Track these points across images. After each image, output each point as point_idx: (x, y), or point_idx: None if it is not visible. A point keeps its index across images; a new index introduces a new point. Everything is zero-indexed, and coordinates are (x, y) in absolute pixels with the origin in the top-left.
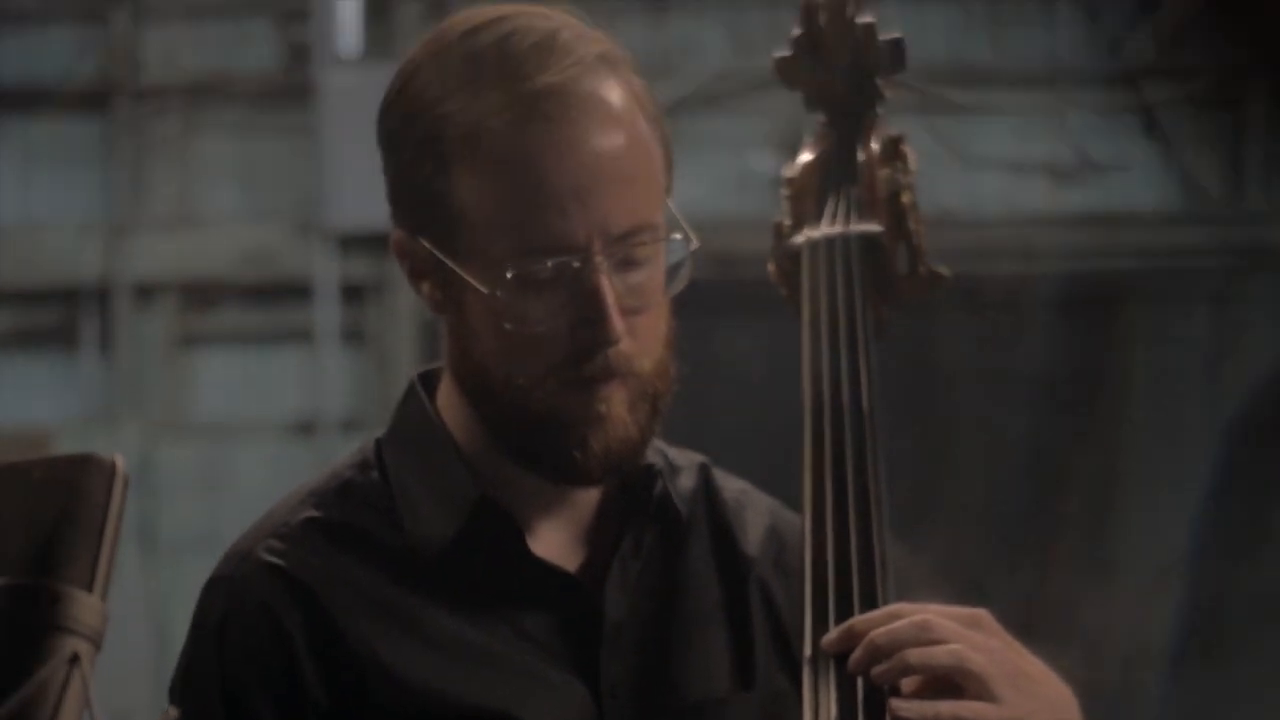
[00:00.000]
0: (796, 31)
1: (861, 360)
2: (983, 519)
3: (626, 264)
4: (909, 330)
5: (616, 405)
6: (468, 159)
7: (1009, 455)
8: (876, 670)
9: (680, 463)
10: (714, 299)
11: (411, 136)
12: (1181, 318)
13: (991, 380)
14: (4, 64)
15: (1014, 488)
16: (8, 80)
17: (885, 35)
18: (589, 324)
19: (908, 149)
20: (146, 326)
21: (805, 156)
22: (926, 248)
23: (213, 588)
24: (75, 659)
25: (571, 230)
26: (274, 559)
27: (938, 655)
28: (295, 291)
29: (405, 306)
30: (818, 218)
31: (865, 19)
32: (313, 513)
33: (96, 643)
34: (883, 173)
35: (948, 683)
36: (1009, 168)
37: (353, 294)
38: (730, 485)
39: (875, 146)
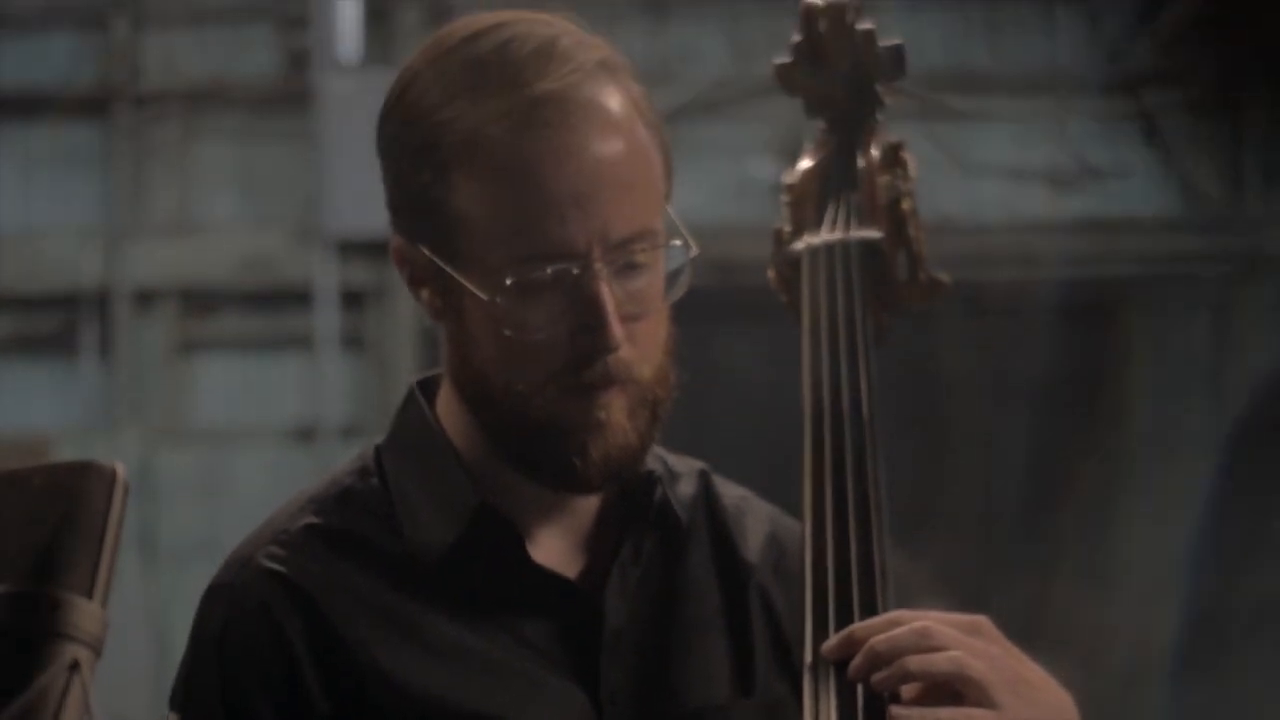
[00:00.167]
0: (796, 38)
1: (861, 367)
2: (982, 525)
3: (626, 270)
4: (909, 337)
5: (616, 412)
6: (467, 165)
7: (1009, 461)
8: (876, 677)
9: (680, 469)
10: (714, 306)
11: (411, 143)
12: (1181, 324)
13: (991, 386)
14: (4, 70)
15: (1014, 494)
16: (8, 86)
17: (885, 42)
18: (588, 330)
19: (908, 155)
20: (146, 333)
21: (805, 163)
22: (926, 254)
23: (213, 594)
24: (75, 666)
25: (571, 237)
26: (274, 565)
27: (938, 662)
28: (295, 298)
29: (405, 313)
30: (818, 224)
31: (865, 25)
32: (313, 519)
33: (97, 649)
34: (883, 179)
35: (948, 689)
36: (1009, 174)
37: (352, 300)
38: (730, 492)
39: (875, 153)
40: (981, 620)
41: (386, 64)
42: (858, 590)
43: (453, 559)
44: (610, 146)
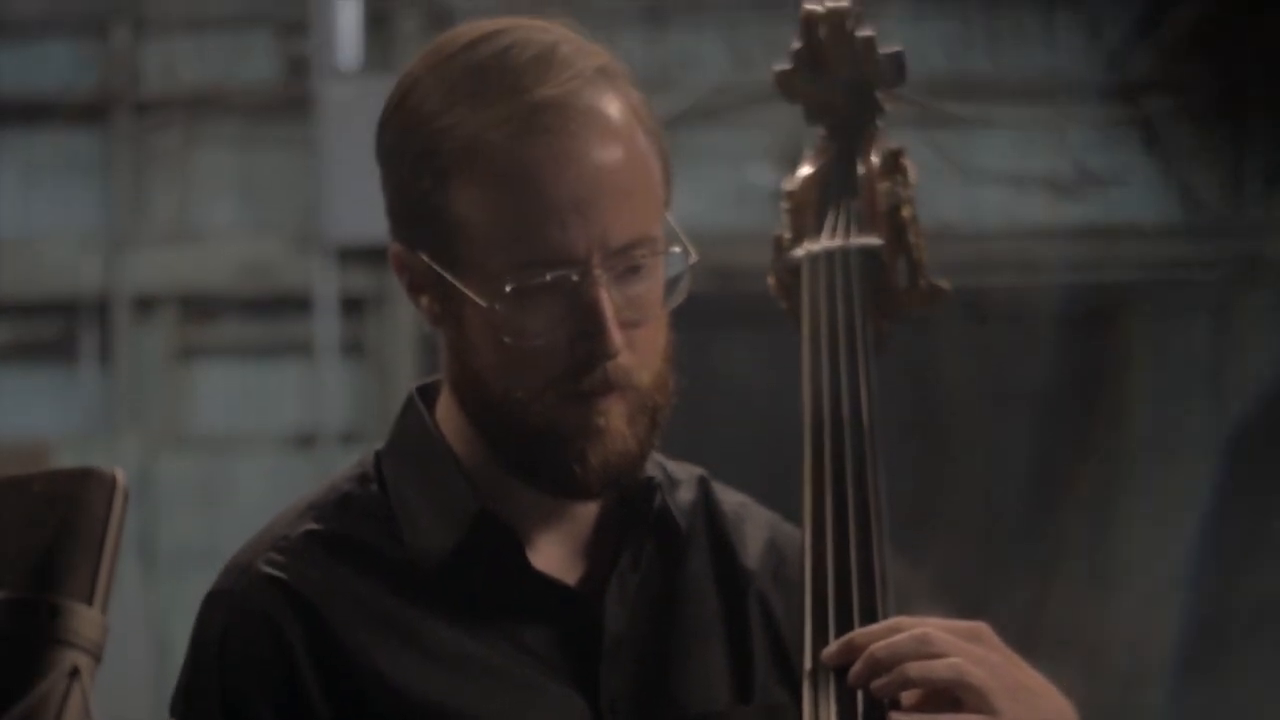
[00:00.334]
0: (796, 45)
1: (861, 373)
2: (982, 530)
3: (625, 277)
4: (909, 343)
5: (615, 418)
6: (466, 172)
7: (1009, 467)
8: (876, 683)
9: (679, 476)
10: (713, 312)
11: (410, 150)
12: (1181, 329)
13: (992, 392)
14: (5, 76)
15: (1014, 499)
16: (8, 92)
17: (885, 48)
18: (588, 337)
19: (908, 162)
20: (146, 339)
21: (805, 170)
22: (927, 261)
23: (213, 601)
24: (75, 672)
25: (570, 243)
26: (274, 571)
27: (937, 669)
28: (295, 304)
29: (405, 319)
30: (818, 231)
31: (865, 32)
32: (313, 525)
33: (96, 656)
34: (883, 186)
35: (947, 696)
36: (1009, 181)
37: (352, 307)
38: (729, 498)
39: (875, 160)
40: (981, 627)
41: (386, 70)
42: (857, 596)
43: (452, 565)
44: (610, 153)
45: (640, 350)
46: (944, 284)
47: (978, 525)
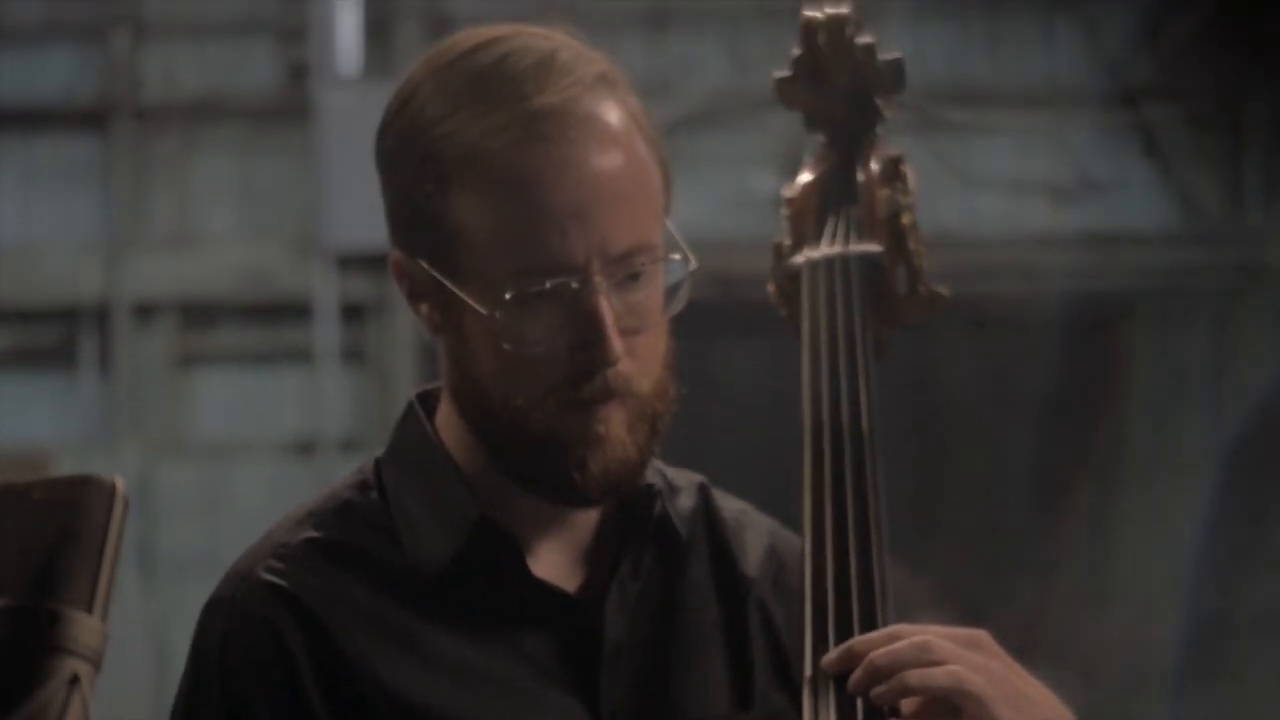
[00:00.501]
0: (796, 52)
1: (861, 380)
2: (982, 539)
3: (625, 284)
4: (909, 350)
5: (615, 426)
6: (466, 179)
7: (1009, 474)
8: (876, 691)
9: (679, 483)
10: (713, 319)
11: (410, 157)
12: (1181, 336)
13: (991, 399)
14: (4, 83)
15: (1013, 507)
16: (8, 99)
17: (885, 56)
18: (588, 345)
19: (908, 169)
20: (146, 346)
21: (805, 176)
22: (926, 268)
23: (213, 608)
24: (75, 680)
25: (570, 250)
26: (274, 579)
27: (937, 676)
28: (294, 311)
29: (405, 326)
30: (817, 238)
31: (865, 39)
32: (312, 533)
33: (96, 664)
34: (883, 193)
35: (947, 704)
36: (1009, 187)
37: (352, 314)
38: (729, 505)
39: (875, 167)
40: (981, 634)
41: (386, 77)
42: (857, 604)
43: (453, 572)
44: (609, 160)
45: (640, 358)
46: (944, 291)
47: (978, 532)
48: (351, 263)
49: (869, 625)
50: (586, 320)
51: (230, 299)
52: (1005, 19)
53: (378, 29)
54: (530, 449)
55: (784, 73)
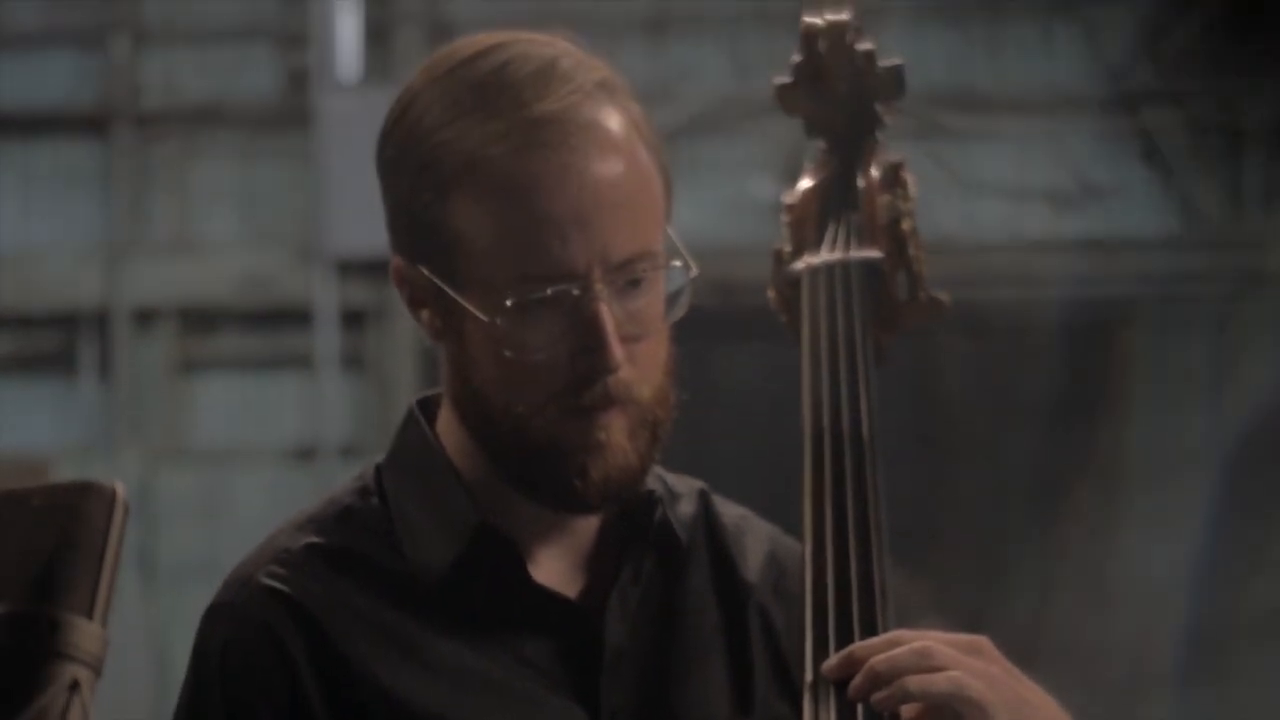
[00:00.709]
0: (797, 58)
1: (861, 386)
2: (983, 544)
3: (626, 291)
4: (909, 356)
5: (616, 433)
6: (466, 187)
7: (1009, 480)
8: (876, 697)
9: (680, 489)
10: (713, 325)
11: (410, 164)
12: (1181, 342)
13: (992, 405)
14: (4, 89)
15: (1014, 512)
16: (8, 105)
17: (885, 62)
18: (588, 352)
19: (908, 175)
20: (146, 352)
21: (805, 183)
22: (927, 274)
23: (214, 614)
24: (75, 686)
25: (571, 257)
26: (276, 584)
27: (937, 682)
28: (295, 317)
29: (405, 332)
30: (818, 244)
31: (865, 45)
32: (313, 539)
33: (97, 670)
34: (883, 199)
35: (948, 710)
36: (1009, 193)
37: (352, 320)
38: (730, 511)
39: (875, 173)
40: (982, 640)
41: (386, 83)
42: (858, 609)
43: (453, 578)
44: (610, 167)
45: (641, 364)
46: (944, 297)
47: (978, 537)
48: (351, 268)
49: (869, 630)
50: (587, 327)
51: (230, 305)
52: (1005, 25)
53: (377, 34)
54: (531, 456)
55: (784, 79)
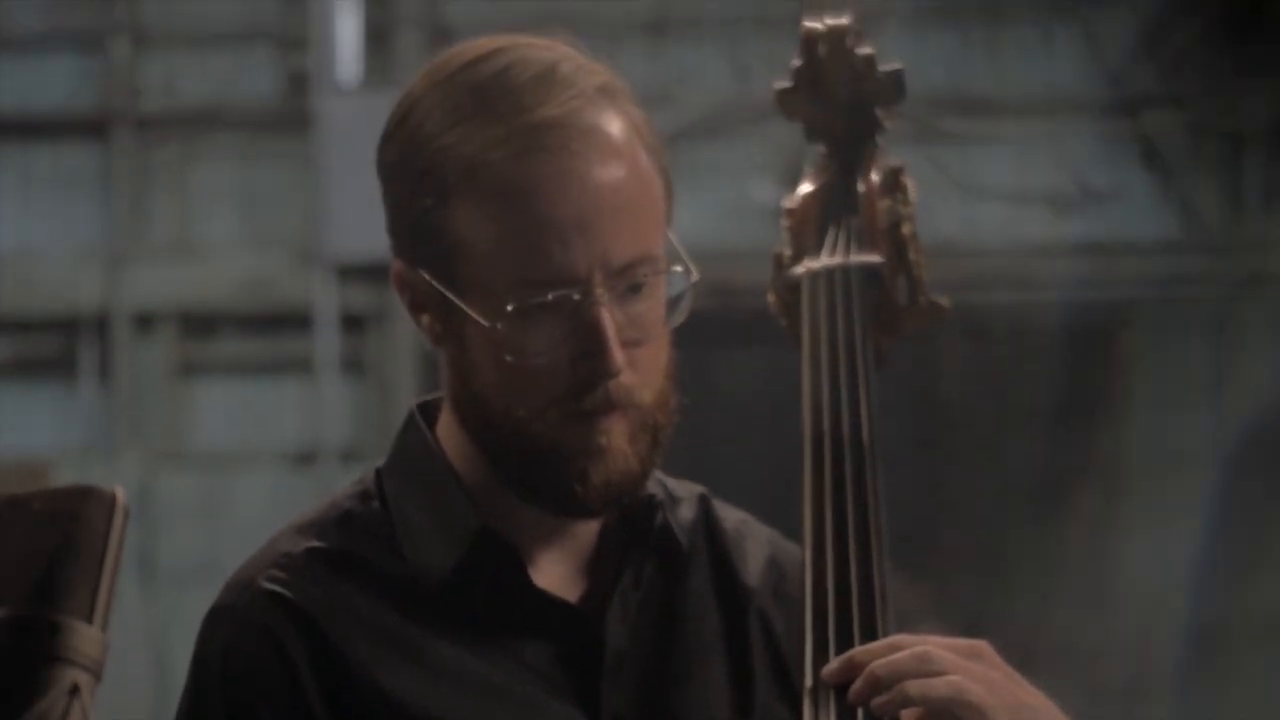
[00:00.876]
0: (797, 62)
1: (862, 391)
2: (983, 548)
3: (627, 296)
4: (909, 360)
5: (617, 437)
6: (467, 191)
7: (1009, 483)
8: (877, 701)
9: (680, 494)
10: (714, 329)
11: (411, 169)
12: (1181, 345)
13: (992, 409)
14: (4, 92)
15: (1014, 515)
16: (8, 108)
17: (885, 66)
18: (589, 356)
19: (908, 180)
20: (146, 356)
21: (805, 187)
22: (927, 278)
23: (214, 617)
24: (75, 690)
25: (572, 262)
26: (276, 588)
27: (937, 687)
28: (295, 321)
29: (405, 336)
30: (818, 248)
31: (865, 50)
32: (314, 542)
33: (96, 674)
34: (883, 204)
35: (947, 714)
36: (1009, 197)
37: (352, 323)
38: (730, 516)
39: (875, 177)
40: (982, 645)
41: (386, 86)
42: (858, 614)
43: (454, 582)
44: (611, 172)
45: (642, 369)
46: (944, 301)
47: (978, 540)
48: (352, 272)
49: (869, 635)
50: (588, 332)
51: (230, 308)
52: (1005, 29)
53: (378, 38)
54: (532, 460)
55: (784, 83)
